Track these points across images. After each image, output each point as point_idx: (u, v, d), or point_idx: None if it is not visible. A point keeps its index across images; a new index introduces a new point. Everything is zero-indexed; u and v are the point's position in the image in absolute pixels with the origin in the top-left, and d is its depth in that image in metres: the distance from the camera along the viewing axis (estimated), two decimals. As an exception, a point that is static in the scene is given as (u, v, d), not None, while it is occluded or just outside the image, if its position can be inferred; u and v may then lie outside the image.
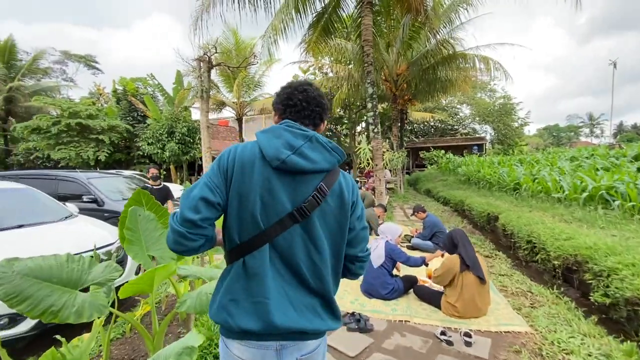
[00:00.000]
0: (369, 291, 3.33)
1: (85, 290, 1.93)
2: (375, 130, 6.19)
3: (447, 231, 5.17)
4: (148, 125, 15.55)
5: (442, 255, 3.32)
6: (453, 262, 2.89)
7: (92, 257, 3.13)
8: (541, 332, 2.67)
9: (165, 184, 6.26)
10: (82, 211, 5.61)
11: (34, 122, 14.66)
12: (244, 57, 9.33)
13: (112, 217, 5.40)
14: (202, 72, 9.18)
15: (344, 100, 17.11)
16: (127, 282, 3.58)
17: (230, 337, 1.00)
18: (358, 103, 19.35)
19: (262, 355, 0.97)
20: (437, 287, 3.42)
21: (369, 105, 6.13)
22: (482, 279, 2.82)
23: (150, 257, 2.30)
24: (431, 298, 3.14)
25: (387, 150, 6.25)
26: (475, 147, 24.72)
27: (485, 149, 25.78)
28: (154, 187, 5.11)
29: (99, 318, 1.85)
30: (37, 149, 15.64)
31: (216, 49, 9.01)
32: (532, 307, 3.15)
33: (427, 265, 3.44)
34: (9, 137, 19.92)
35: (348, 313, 2.96)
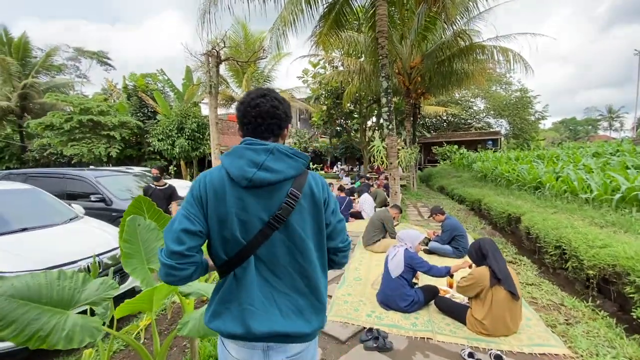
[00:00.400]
0: (387, 302, 3.09)
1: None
2: (390, 127, 5.87)
3: (467, 234, 4.90)
4: (158, 121, 15.52)
5: (470, 267, 3.05)
6: (482, 275, 2.62)
7: (87, 271, 2.99)
8: (582, 356, 2.39)
9: (172, 182, 6.13)
10: (90, 211, 5.53)
11: (47, 118, 14.79)
12: (253, 52, 9.08)
13: (120, 217, 5.30)
14: (211, 67, 8.99)
15: (355, 95, 16.74)
16: (133, 288, 3.47)
17: (225, 337, 1.09)
18: (369, 97, 18.93)
19: (251, 354, 1.06)
20: (460, 298, 3.17)
21: (383, 100, 5.80)
22: (514, 295, 2.55)
23: (152, 270, 2.11)
24: (455, 312, 2.88)
25: (402, 148, 5.93)
26: (490, 142, 24.01)
27: (500, 143, 25.03)
28: (158, 187, 4.96)
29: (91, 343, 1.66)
30: (51, 145, 15.82)
31: (225, 44, 8.80)
32: (567, 324, 2.86)
33: (451, 276, 3.18)
34: (24, 133, 20.25)
35: (365, 329, 2.74)
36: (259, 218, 1.02)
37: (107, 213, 5.58)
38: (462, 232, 4.68)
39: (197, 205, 1.02)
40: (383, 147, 5.80)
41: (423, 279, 3.55)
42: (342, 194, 7.31)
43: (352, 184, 18.75)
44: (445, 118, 29.19)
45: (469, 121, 29.73)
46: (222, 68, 12.84)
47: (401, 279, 3.02)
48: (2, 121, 21.46)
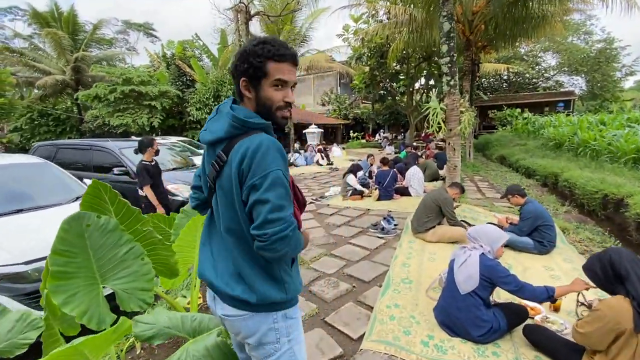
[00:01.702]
0: (451, 325, 2.23)
1: None
2: (452, 82, 4.59)
3: (555, 224, 3.76)
4: (196, 89, 15.26)
5: (587, 289, 2.04)
6: (617, 311, 1.62)
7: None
8: None
9: None
10: (115, 184, 5.22)
11: (93, 90, 15.22)
12: (286, 3, 8.01)
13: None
14: (240, 25, 8.09)
15: (402, 52, 14.88)
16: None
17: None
18: (418, 55, 16.85)
19: (210, 297, 1.15)
20: (561, 325, 2.21)
21: (444, 48, 4.51)
22: (681, 349, 1.54)
23: (114, 290, 1.45)
24: (558, 353, 1.94)
25: (466, 110, 4.67)
26: (562, 104, 20.60)
27: (573, 105, 21.44)
28: (151, 165, 4.04)
29: None
30: (99, 116, 16.44)
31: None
32: None
33: (554, 301, 2.21)
34: (81, 105, 21.45)
35: (421, 369, 1.93)
36: (207, 175, 1.08)
37: (131, 187, 5.23)
38: (548, 221, 3.54)
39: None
40: (441, 108, 4.60)
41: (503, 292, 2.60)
42: (385, 167, 6.30)
43: (395, 153, 17.45)
44: (505, 77, 25.66)
45: (534, 80, 25.87)
46: (255, 27, 11.86)
47: (474, 297, 2.12)
48: (61, 94, 22.86)
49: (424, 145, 16.45)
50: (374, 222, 4.72)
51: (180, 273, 1.99)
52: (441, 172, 8.41)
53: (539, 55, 24.78)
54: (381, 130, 25.79)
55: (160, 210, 3.98)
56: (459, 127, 4.69)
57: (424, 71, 17.91)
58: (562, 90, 23.57)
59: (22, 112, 19.93)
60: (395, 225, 4.52)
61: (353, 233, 4.34)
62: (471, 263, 2.16)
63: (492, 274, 2.10)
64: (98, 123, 17.40)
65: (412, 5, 9.08)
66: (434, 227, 3.93)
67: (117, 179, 5.26)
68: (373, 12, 16.80)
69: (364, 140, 23.73)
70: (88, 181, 4.14)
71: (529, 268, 3.26)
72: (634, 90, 46.25)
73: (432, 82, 18.38)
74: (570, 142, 9.27)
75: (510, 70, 21.14)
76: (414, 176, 6.36)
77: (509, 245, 3.67)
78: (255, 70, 0.98)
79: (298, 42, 15.45)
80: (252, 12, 8.04)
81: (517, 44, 13.40)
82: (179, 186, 5.19)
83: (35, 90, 22.15)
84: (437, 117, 4.62)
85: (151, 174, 4.02)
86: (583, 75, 22.73)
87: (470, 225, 4.27)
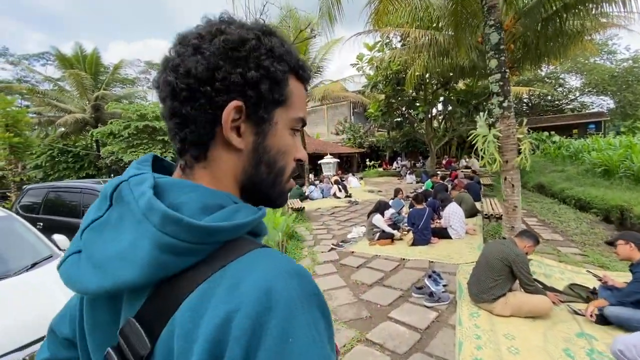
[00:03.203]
0: None
1: None
2: (506, 103, 3.71)
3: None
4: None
5: None
6: None
7: None
8: None
9: None
10: None
11: (108, 127, 15.26)
12: (299, 30, 7.58)
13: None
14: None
15: (419, 78, 14.30)
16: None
17: None
18: (434, 81, 16.31)
19: None
20: None
21: (493, 63, 3.68)
22: None
23: None
24: None
25: (524, 137, 3.72)
26: (593, 126, 19.32)
27: (605, 127, 20.10)
28: None
29: None
30: (114, 152, 16.40)
31: (265, 19, 7.35)
32: None
33: None
34: (99, 142, 21.81)
35: None
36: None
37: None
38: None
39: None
40: (494, 136, 3.70)
41: None
42: (420, 206, 5.33)
43: (417, 182, 16.40)
44: (526, 100, 24.72)
45: (557, 102, 24.80)
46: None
47: None
48: (81, 132, 23.48)
49: (448, 173, 15.39)
50: (416, 282, 3.72)
51: None
52: (477, 205, 7.38)
53: (561, 76, 23.90)
54: (399, 158, 24.91)
55: None
56: (517, 159, 3.76)
57: (441, 97, 17.26)
58: (591, 111, 22.33)
59: (43, 149, 20.42)
60: (444, 286, 3.50)
61: (391, 300, 3.34)
62: None
63: None
64: (112, 159, 17.38)
65: (435, 27, 8.48)
66: (504, 294, 2.90)
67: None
68: (387, 40, 16.63)
69: (381, 169, 22.88)
70: (60, 237, 3.41)
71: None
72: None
73: (450, 108, 17.69)
74: (627, 169, 8.08)
75: (532, 92, 20.25)
76: (454, 214, 5.35)
77: (613, 322, 2.60)
78: (271, 88, 0.43)
79: (312, 73, 15.18)
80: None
81: (543, 64, 12.63)
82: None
83: (61, 129, 22.82)
84: (489, 146, 3.71)
85: None
86: (611, 95, 21.53)
87: (544, 286, 3.22)
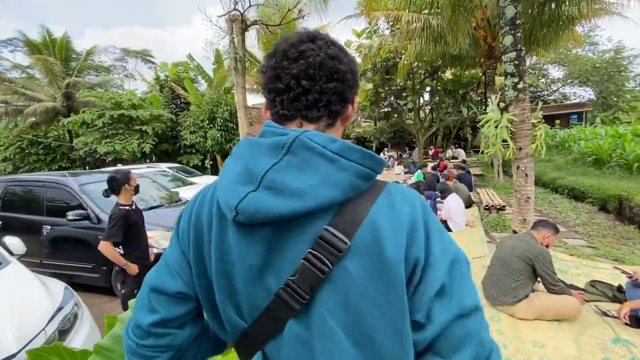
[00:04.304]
0: None
1: None
2: (521, 85, 3.37)
3: None
4: (190, 112, 14.26)
5: None
6: None
7: None
8: None
9: (207, 180, 4.29)
10: (77, 230, 4.06)
11: (80, 116, 14.25)
12: (288, 10, 7.05)
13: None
14: (235, 35, 7.08)
15: (410, 66, 13.99)
16: None
17: None
18: (422, 70, 16.05)
19: None
20: None
21: (508, 40, 3.30)
22: None
23: None
24: None
25: (540, 121, 3.40)
26: (575, 117, 19.64)
27: (586, 117, 20.49)
28: (132, 209, 2.76)
29: None
30: (87, 143, 15.39)
31: (250, 2, 6.80)
32: None
33: None
34: (73, 133, 20.54)
35: None
36: (261, 285, 0.53)
37: (92, 234, 3.96)
38: None
39: (179, 246, 0.61)
40: (509, 119, 3.35)
41: None
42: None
43: (405, 173, 16.18)
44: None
45: (538, 93, 25.11)
46: (252, 40, 10.92)
47: None
48: (53, 122, 22.07)
49: (437, 163, 15.22)
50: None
51: None
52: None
53: (544, 67, 24.16)
54: (385, 149, 24.70)
55: (133, 270, 2.69)
56: (532, 146, 3.46)
57: (426, 87, 17.05)
58: (572, 102, 22.74)
59: (11, 141, 19.06)
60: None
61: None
62: None
63: None
64: (85, 151, 16.30)
65: (429, 10, 8.11)
66: (526, 296, 2.60)
67: (76, 225, 4.01)
68: (375, 27, 16.17)
69: (368, 160, 22.61)
70: (12, 240, 2.88)
71: None
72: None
73: (437, 98, 17.54)
74: (619, 158, 8.06)
75: (519, 83, 20.34)
76: (455, 206, 5.07)
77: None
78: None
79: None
80: (249, 22, 6.99)
81: (533, 54, 12.56)
82: (155, 233, 3.88)
83: (31, 119, 21.35)
84: (502, 132, 3.38)
85: (131, 222, 2.72)
86: (594, 86, 21.92)
87: (565, 284, 2.95)
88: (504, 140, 3.41)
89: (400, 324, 0.48)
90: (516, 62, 3.33)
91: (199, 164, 14.99)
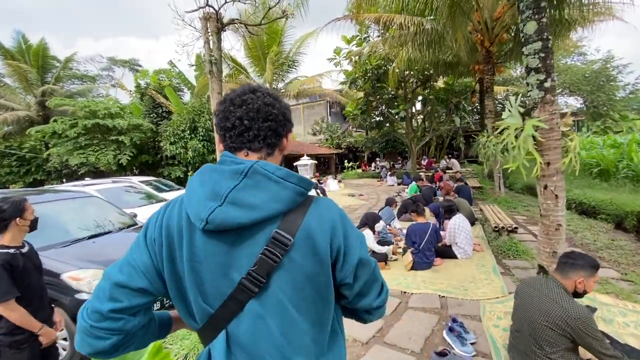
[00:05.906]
0: None
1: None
2: (548, 83, 2.71)
3: None
4: (170, 121, 13.40)
5: None
6: None
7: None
8: None
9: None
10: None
11: (50, 125, 13.24)
12: (269, 8, 6.41)
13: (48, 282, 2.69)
14: (209, 35, 6.34)
15: (399, 75, 13.50)
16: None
17: None
18: (414, 78, 15.60)
19: None
20: None
21: (531, 27, 2.60)
22: None
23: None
24: None
25: (571, 129, 2.79)
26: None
27: (579, 126, 20.33)
28: (22, 251, 1.87)
29: None
30: (58, 154, 14.33)
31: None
32: None
33: None
34: (50, 143, 19.43)
35: None
36: (225, 276, 0.72)
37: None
38: None
39: (147, 252, 0.75)
40: (535, 125, 2.67)
41: None
42: (421, 219, 4.29)
43: (398, 184, 15.54)
44: (501, 99, 24.79)
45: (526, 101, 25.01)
46: (232, 42, 10.24)
47: None
48: (27, 132, 20.87)
49: (431, 175, 14.57)
50: (430, 335, 2.62)
51: None
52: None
53: (534, 77, 24.12)
54: (377, 159, 24.13)
55: (51, 335, 1.88)
56: (564, 160, 2.78)
57: (418, 95, 16.59)
58: (564, 111, 22.62)
59: (-20, 153, 17.80)
60: (472, 344, 2.44)
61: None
62: None
63: None
64: (59, 163, 15.20)
65: (424, 12, 7.57)
66: (574, 371, 1.85)
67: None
68: (365, 35, 15.73)
69: (360, 170, 21.98)
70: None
71: None
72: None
73: (429, 107, 17.09)
74: (628, 169, 7.52)
75: (510, 91, 20.11)
76: (460, 228, 4.35)
77: None
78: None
79: (286, 67, 13.94)
80: (226, 21, 6.25)
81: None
82: (87, 273, 3.02)
83: (4, 128, 20.15)
84: (526, 142, 2.68)
85: (20, 272, 1.87)
86: (584, 96, 21.85)
87: (618, 344, 2.22)
88: (528, 153, 2.74)
89: (325, 292, 0.74)
90: (542, 55, 2.66)
91: (181, 175, 14.10)
